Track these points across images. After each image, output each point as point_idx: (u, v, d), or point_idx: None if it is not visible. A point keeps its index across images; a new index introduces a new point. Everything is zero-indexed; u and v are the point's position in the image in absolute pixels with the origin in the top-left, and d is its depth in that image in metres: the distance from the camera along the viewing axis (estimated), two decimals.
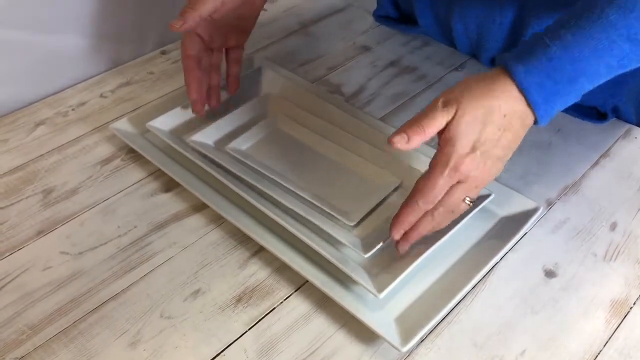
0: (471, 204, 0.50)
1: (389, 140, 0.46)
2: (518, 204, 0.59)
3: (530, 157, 0.67)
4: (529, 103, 0.45)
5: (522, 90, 0.45)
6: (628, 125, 0.71)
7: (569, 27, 0.44)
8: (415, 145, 0.46)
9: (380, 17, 0.90)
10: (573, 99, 0.46)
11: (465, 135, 0.45)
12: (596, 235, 0.59)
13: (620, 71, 0.46)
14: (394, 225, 0.50)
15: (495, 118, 0.45)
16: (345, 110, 0.69)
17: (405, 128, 0.46)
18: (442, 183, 0.46)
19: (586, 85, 0.46)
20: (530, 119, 0.47)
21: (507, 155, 0.48)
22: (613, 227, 0.60)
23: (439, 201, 0.48)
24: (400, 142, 0.45)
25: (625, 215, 0.61)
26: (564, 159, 0.67)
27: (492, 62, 0.79)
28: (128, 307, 0.53)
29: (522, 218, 0.58)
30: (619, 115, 0.72)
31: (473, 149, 0.46)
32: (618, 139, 0.70)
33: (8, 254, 0.57)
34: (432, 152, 0.48)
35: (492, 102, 0.45)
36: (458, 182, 0.47)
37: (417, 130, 0.45)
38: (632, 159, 0.67)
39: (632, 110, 0.71)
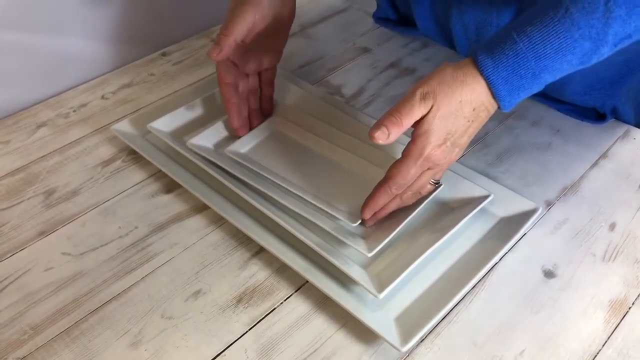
0: (436, 185, 0.56)
1: (370, 135, 0.48)
2: (517, 204, 0.60)
3: (530, 158, 0.67)
4: (495, 96, 0.48)
5: (490, 84, 0.48)
6: (627, 126, 0.71)
7: (535, 23, 0.47)
8: (394, 138, 0.48)
9: (380, 19, 0.91)
10: (535, 90, 0.49)
11: (440, 129, 0.49)
12: (595, 235, 0.59)
13: (580, 67, 0.49)
14: (367, 206, 0.54)
15: (465, 111, 0.49)
16: (345, 111, 0.69)
17: (385, 121, 0.48)
18: (414, 171, 0.51)
19: (548, 79, 0.48)
20: (494, 107, 0.50)
21: (469, 142, 0.52)
22: (612, 227, 0.60)
23: (409, 186, 0.53)
24: (382, 137, 0.48)
25: (624, 216, 0.61)
26: (563, 160, 0.67)
27: None
28: (129, 307, 0.53)
29: (521, 219, 0.58)
30: (617, 116, 0.72)
31: (444, 141, 0.50)
32: (617, 140, 0.70)
33: (10, 254, 0.57)
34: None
35: (464, 97, 0.48)
36: (427, 169, 0.52)
37: (396, 123, 0.48)
38: (631, 160, 0.67)
39: (630, 111, 0.71)
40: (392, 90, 0.78)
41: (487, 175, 0.64)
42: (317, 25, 0.91)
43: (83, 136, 0.71)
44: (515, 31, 0.47)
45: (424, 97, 0.48)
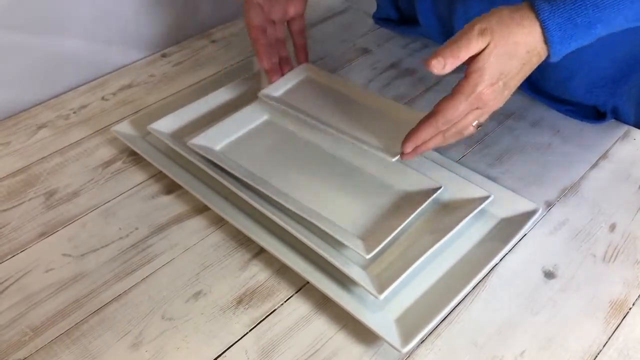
0: (478, 128, 0.54)
1: (426, 63, 0.48)
2: (517, 205, 0.60)
3: (530, 159, 0.67)
4: (547, 41, 0.48)
5: (544, 29, 0.48)
6: (627, 127, 0.71)
7: None
8: (449, 69, 0.48)
9: (380, 19, 0.91)
10: (587, 42, 0.49)
11: (494, 67, 0.48)
12: (595, 236, 0.59)
13: (634, 25, 0.48)
14: (410, 139, 0.53)
15: (520, 53, 0.49)
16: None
17: (442, 52, 0.48)
18: (463, 108, 0.50)
19: (601, 32, 0.48)
20: (545, 54, 0.49)
21: (517, 85, 0.52)
22: (612, 228, 0.60)
23: (454, 123, 0.52)
24: (437, 67, 0.48)
25: (625, 217, 0.61)
26: (563, 161, 0.67)
27: None
28: (130, 308, 0.53)
29: (521, 219, 0.58)
30: (618, 116, 0.72)
31: (497, 80, 0.49)
32: (617, 141, 0.70)
33: (10, 256, 0.57)
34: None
35: (520, 39, 0.48)
36: (476, 108, 0.51)
37: (453, 54, 0.48)
38: (631, 161, 0.67)
39: (631, 111, 0.71)
40: (393, 91, 0.78)
41: (487, 176, 0.64)
42: (317, 26, 0.91)
43: (83, 137, 0.71)
44: None
45: (482, 33, 0.48)
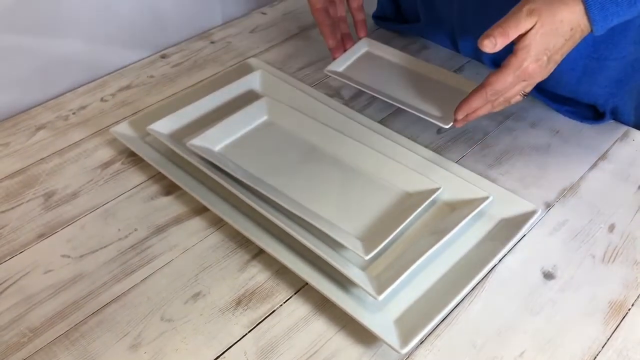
0: (524, 96, 0.59)
1: (479, 43, 0.52)
2: (516, 206, 0.60)
3: (529, 160, 0.67)
4: (590, 19, 0.52)
5: (587, 7, 0.51)
6: (626, 128, 0.71)
7: None
8: (500, 47, 0.52)
9: (380, 18, 0.91)
10: (629, 17, 0.52)
11: (540, 44, 0.53)
12: (594, 237, 0.59)
13: None
14: (461, 108, 0.59)
15: (564, 30, 0.52)
16: (344, 113, 0.70)
17: (493, 32, 0.52)
18: (510, 80, 0.55)
19: None
20: (587, 30, 0.53)
21: (562, 59, 0.56)
22: (611, 228, 0.60)
23: (502, 94, 0.57)
24: (489, 45, 0.52)
25: (624, 217, 0.61)
26: (562, 161, 0.67)
27: (494, 63, 0.80)
28: (129, 310, 0.53)
29: (520, 220, 0.58)
30: (617, 116, 0.72)
31: (542, 56, 0.54)
32: (616, 141, 0.70)
33: (9, 257, 0.57)
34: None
35: (565, 17, 0.52)
36: (522, 80, 0.56)
37: (503, 33, 0.52)
38: (630, 161, 0.67)
39: (631, 112, 0.71)
40: None
41: (486, 176, 0.64)
42: (316, 27, 0.91)
43: (82, 138, 0.71)
44: None
45: (530, 13, 0.51)
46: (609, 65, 0.67)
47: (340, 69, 0.73)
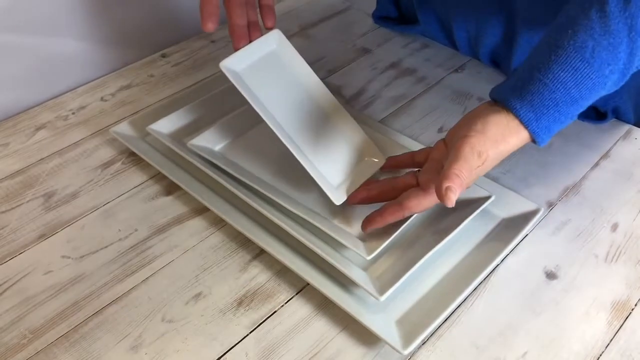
0: None
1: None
2: (519, 205, 0.59)
3: (531, 159, 0.67)
4: (534, 140, 0.51)
5: (533, 135, 0.50)
6: (628, 126, 0.71)
7: (566, 69, 0.48)
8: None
9: (379, 18, 0.91)
10: (569, 123, 0.51)
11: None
12: (597, 236, 0.59)
13: (608, 93, 0.51)
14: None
15: (508, 153, 0.51)
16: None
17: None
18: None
19: (580, 112, 0.51)
20: (529, 141, 0.51)
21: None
22: (614, 228, 0.60)
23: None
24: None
25: (626, 216, 0.61)
26: (565, 161, 0.67)
27: (492, 61, 0.80)
28: (129, 310, 0.53)
29: (522, 220, 0.58)
30: (618, 115, 0.72)
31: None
32: (618, 140, 0.70)
33: (9, 258, 0.57)
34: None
35: (510, 147, 0.51)
36: None
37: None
38: (633, 160, 0.67)
39: (631, 110, 0.71)
40: (393, 91, 0.77)
41: (488, 176, 0.63)
42: (316, 26, 0.91)
43: (82, 138, 0.71)
44: (548, 78, 0.48)
45: (480, 155, 0.49)
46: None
47: (239, 68, 0.59)
